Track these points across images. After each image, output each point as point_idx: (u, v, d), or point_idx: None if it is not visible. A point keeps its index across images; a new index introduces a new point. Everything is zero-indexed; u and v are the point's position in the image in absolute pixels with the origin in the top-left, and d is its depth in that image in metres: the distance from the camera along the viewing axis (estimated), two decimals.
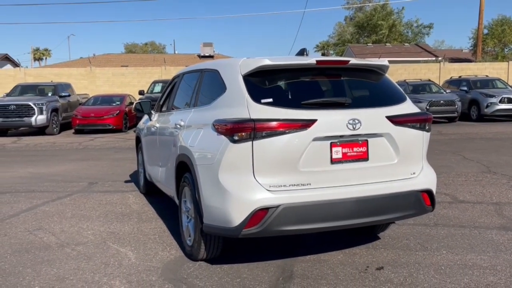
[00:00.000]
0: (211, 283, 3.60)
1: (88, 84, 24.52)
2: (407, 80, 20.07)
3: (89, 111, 17.07)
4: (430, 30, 48.62)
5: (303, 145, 3.36)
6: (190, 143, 3.95)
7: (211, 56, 42.04)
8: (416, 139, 3.79)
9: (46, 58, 72.29)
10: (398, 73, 24.81)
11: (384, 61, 4.01)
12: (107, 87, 24.31)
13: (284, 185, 3.35)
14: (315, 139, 3.39)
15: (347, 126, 3.45)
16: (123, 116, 17.09)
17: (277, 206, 3.29)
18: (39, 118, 16.01)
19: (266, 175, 3.34)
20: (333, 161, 3.47)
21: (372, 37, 46.10)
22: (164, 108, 5.67)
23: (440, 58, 29.39)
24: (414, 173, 3.79)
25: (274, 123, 3.30)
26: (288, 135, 3.32)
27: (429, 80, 20.62)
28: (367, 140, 3.56)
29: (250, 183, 3.33)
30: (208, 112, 3.88)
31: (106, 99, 18.54)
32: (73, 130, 17.37)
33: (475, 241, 4.48)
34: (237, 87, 3.58)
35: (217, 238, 3.81)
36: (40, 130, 16.67)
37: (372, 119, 3.56)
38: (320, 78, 3.77)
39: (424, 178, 3.82)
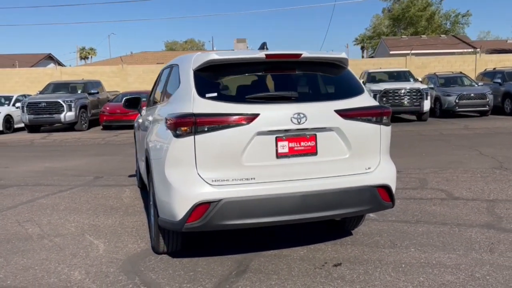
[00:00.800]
0: (164, 275, 3.65)
1: (120, 81, 25.20)
2: (437, 73, 19.47)
3: (115, 107, 17.52)
4: (468, 19, 46.61)
5: (246, 139, 3.34)
6: (149, 138, 4.02)
7: None
8: (371, 133, 3.68)
9: (91, 56, 74.70)
10: (431, 66, 24.09)
11: (341, 53, 3.90)
12: (138, 84, 24.90)
13: (227, 180, 3.35)
14: (259, 134, 3.37)
15: (291, 120, 3.40)
16: None
17: (219, 201, 3.30)
18: (68, 115, 16.64)
19: (209, 170, 3.35)
20: (279, 156, 3.44)
21: (410, 29, 44.76)
22: (150, 104, 5.77)
23: (477, 50, 28.18)
24: (369, 168, 3.69)
25: (215, 118, 3.30)
26: (230, 130, 3.31)
27: (461, 72, 19.87)
28: (315, 135, 3.50)
29: (192, 177, 3.35)
30: (166, 107, 3.93)
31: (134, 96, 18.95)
32: (101, 126, 17.91)
33: (450, 239, 4.32)
34: (187, 82, 3.61)
35: (175, 232, 3.85)
36: (70, 126, 17.34)
37: (319, 113, 3.49)
38: (272, 72, 3.73)
39: (381, 173, 3.71)
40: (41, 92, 18.59)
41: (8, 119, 17.49)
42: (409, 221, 4.89)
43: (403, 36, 41.21)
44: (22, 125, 17.52)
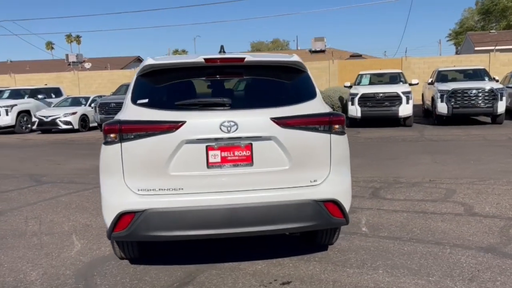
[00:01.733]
0: (108, 282, 3.65)
1: None
2: None
3: None
4: None
5: (171, 148, 3.21)
6: None
7: (322, 51, 41.47)
8: (318, 143, 3.36)
9: None
10: None
11: (291, 57, 3.60)
12: None
13: (153, 189, 3.26)
14: (188, 142, 3.22)
15: (220, 128, 3.21)
16: None
17: (143, 211, 3.21)
18: None
19: (136, 178, 3.28)
20: (210, 165, 3.26)
21: (502, 22, 40.97)
22: None
23: None
24: (315, 181, 3.37)
25: (139, 125, 3.22)
26: (155, 137, 3.21)
27: None
28: (251, 144, 3.27)
29: (119, 186, 3.31)
30: None
31: None
32: None
33: (432, 262, 3.84)
34: (130, 88, 3.59)
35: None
36: None
37: (254, 121, 3.26)
38: (214, 77, 3.55)
39: (329, 187, 3.37)
40: (113, 93, 19.73)
41: (84, 118, 18.78)
42: (400, 238, 4.44)
43: (491, 31, 37.80)
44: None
